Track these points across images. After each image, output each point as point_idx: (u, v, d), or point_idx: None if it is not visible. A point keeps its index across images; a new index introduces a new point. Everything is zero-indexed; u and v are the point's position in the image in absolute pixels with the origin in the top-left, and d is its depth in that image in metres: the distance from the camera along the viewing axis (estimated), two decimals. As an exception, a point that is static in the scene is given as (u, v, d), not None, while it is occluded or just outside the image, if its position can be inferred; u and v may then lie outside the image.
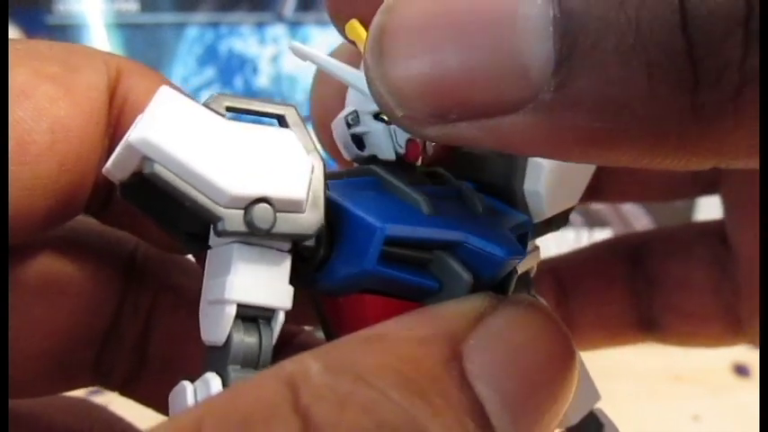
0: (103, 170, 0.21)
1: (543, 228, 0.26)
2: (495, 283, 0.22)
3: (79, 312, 0.26)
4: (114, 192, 0.24)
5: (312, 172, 0.20)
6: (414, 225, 0.21)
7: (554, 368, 0.20)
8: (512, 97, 0.17)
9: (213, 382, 0.20)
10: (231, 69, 0.77)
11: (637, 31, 0.15)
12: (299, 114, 0.22)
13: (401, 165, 0.24)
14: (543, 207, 0.25)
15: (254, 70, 0.77)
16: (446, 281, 0.21)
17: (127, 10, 0.75)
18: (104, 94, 0.23)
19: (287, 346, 0.26)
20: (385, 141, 0.23)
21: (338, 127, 0.24)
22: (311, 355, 0.18)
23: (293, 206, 0.20)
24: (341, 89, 0.25)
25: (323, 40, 0.77)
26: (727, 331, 0.34)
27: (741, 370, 0.70)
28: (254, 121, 0.21)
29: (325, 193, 0.21)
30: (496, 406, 0.18)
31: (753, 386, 0.67)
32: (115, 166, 0.20)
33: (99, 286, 0.26)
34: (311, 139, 0.21)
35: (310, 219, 0.20)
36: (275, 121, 0.22)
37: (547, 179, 0.25)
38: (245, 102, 0.21)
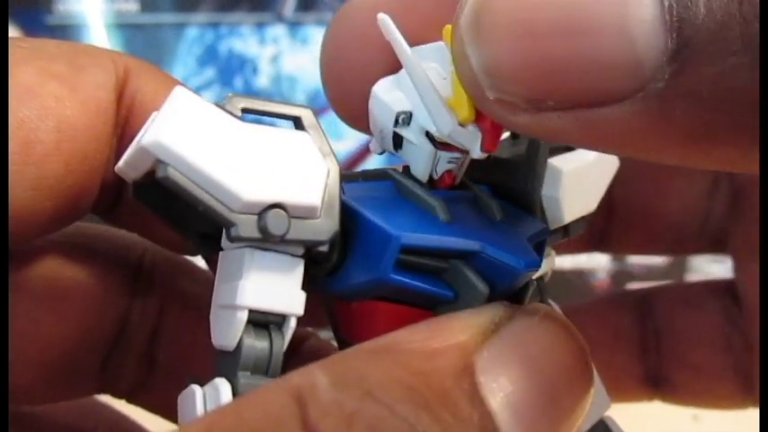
0: (116, 168, 0.21)
1: (559, 234, 0.26)
2: (510, 293, 0.22)
3: (85, 318, 0.25)
4: (123, 193, 0.24)
5: (328, 176, 0.20)
6: (429, 233, 0.20)
7: (570, 380, 0.19)
8: (619, 86, 0.16)
9: (223, 387, 0.19)
10: (231, 69, 0.77)
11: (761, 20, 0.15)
12: (315, 117, 0.21)
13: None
14: (561, 213, 0.25)
15: (254, 70, 0.77)
16: (461, 291, 0.21)
17: (127, 10, 0.75)
18: (112, 94, 0.23)
19: (297, 350, 0.26)
20: (425, 162, 0.22)
21: (382, 109, 0.21)
22: (319, 368, 0.17)
23: (308, 212, 0.19)
24: (361, 35, 0.22)
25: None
26: (737, 390, 0.32)
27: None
28: (269, 124, 0.21)
29: (340, 197, 0.20)
30: (509, 420, 0.18)
31: (753, 386, 0.67)
32: (127, 165, 0.20)
33: (106, 292, 0.26)
34: (327, 142, 0.21)
35: (325, 225, 0.20)
36: (291, 123, 0.21)
37: (565, 184, 0.25)
38: (260, 103, 0.21)
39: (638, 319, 0.34)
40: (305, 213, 0.19)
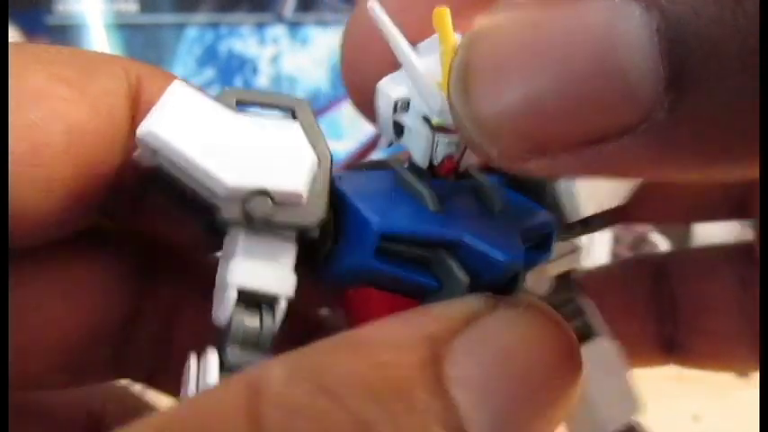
0: (131, 160, 0.22)
1: (581, 228, 0.25)
2: (499, 286, 0.21)
3: (98, 306, 0.26)
4: (135, 195, 0.25)
5: (318, 165, 0.21)
6: (412, 222, 0.21)
7: (551, 374, 0.19)
8: (619, 121, 0.15)
9: (211, 358, 0.21)
10: (231, 70, 0.77)
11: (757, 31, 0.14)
12: (310, 108, 0.22)
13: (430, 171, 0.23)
14: (576, 205, 0.24)
15: (254, 71, 0.77)
16: (444, 280, 0.21)
17: (127, 10, 0.75)
18: (123, 99, 0.23)
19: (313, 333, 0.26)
20: (424, 148, 0.22)
21: (383, 100, 0.22)
22: (279, 361, 0.18)
23: (292, 198, 0.20)
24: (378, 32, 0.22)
25: (323, 40, 0.77)
26: (752, 355, 0.32)
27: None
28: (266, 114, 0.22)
29: (332, 185, 0.21)
30: (476, 413, 0.17)
31: (753, 386, 0.67)
32: (139, 157, 0.21)
33: (118, 279, 0.26)
34: (320, 132, 0.21)
35: (311, 211, 0.21)
36: (288, 113, 0.22)
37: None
38: (255, 94, 0.22)
39: (655, 284, 0.34)
40: (289, 199, 0.20)
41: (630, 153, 0.16)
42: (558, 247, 0.25)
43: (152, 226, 0.26)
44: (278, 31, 0.77)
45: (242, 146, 0.20)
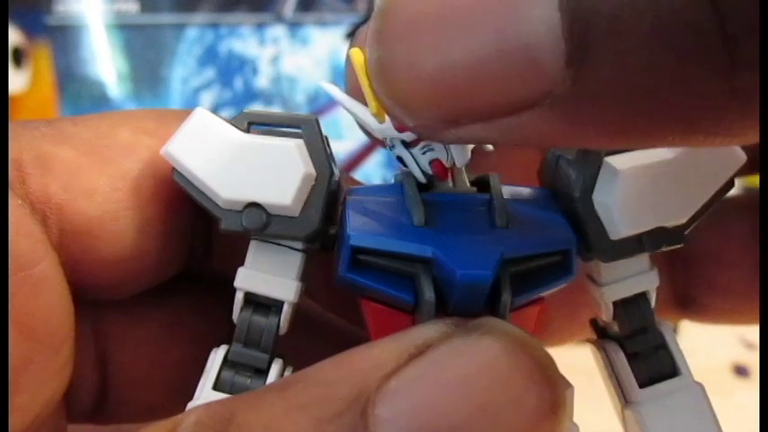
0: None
1: (629, 247, 0.22)
2: (480, 306, 0.20)
3: (197, 343, 0.27)
4: (214, 238, 0.28)
5: (315, 180, 0.22)
6: (387, 236, 0.21)
7: (517, 402, 0.17)
8: (524, 95, 0.15)
9: (218, 354, 0.23)
10: (231, 70, 0.77)
11: (657, 9, 0.14)
12: (316, 125, 0.23)
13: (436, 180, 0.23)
14: (615, 223, 0.21)
15: (254, 71, 0.77)
16: (418, 296, 0.21)
17: (127, 11, 0.75)
18: None
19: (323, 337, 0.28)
20: (410, 163, 0.23)
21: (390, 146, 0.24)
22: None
23: (283, 210, 0.22)
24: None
25: (323, 40, 0.77)
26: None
27: (741, 371, 0.70)
28: (279, 132, 0.23)
29: (326, 198, 0.22)
30: None
31: (752, 387, 0.67)
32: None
33: (212, 319, 0.28)
34: (323, 148, 0.23)
35: (304, 222, 0.22)
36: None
37: (622, 189, 0.21)
38: (266, 116, 0.23)
39: None
40: (281, 211, 0.22)
41: (538, 125, 0.16)
42: (624, 265, 0.23)
43: (222, 266, 0.27)
44: (278, 31, 0.77)
45: (242, 163, 0.22)
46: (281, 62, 0.78)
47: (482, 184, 0.23)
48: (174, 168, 0.23)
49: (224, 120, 0.23)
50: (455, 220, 0.22)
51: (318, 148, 0.23)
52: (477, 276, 0.20)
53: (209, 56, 0.76)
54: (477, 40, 0.15)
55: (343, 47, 0.78)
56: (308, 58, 0.78)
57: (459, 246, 0.21)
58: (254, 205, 0.22)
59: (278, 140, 0.23)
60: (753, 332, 0.74)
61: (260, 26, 0.77)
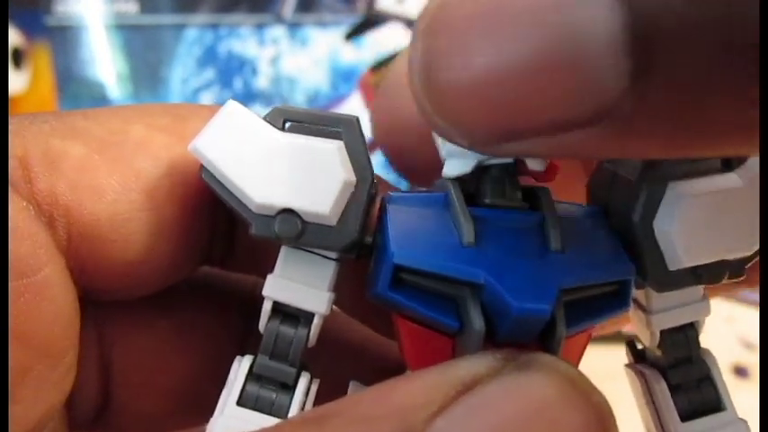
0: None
1: (686, 279, 0.21)
2: (530, 337, 0.19)
3: (208, 351, 0.27)
4: (235, 238, 0.26)
5: (355, 186, 0.21)
6: (434, 256, 0.19)
7: None
8: (584, 113, 0.15)
9: (243, 365, 0.22)
10: (231, 71, 0.77)
11: (730, 25, 0.13)
12: (358, 127, 0.21)
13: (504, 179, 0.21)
14: (675, 253, 0.20)
15: (254, 71, 0.77)
16: (464, 323, 0.19)
17: (126, 11, 0.75)
18: None
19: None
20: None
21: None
22: None
23: (319, 219, 0.20)
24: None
25: (322, 40, 0.77)
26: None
27: (741, 371, 0.70)
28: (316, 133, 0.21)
29: (365, 207, 0.21)
30: None
31: (752, 387, 0.67)
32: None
33: (224, 326, 0.27)
34: (364, 152, 0.21)
35: (342, 233, 0.21)
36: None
37: (686, 217, 0.20)
38: (303, 113, 0.22)
39: None
40: (317, 219, 0.20)
41: (596, 141, 0.15)
42: (676, 293, 0.22)
43: (244, 268, 0.27)
44: (278, 31, 0.77)
45: (278, 165, 0.21)
46: (280, 63, 0.78)
47: (529, 196, 0.21)
48: (201, 166, 0.21)
49: (257, 115, 0.21)
50: (506, 241, 0.20)
51: (359, 152, 0.21)
52: (535, 311, 0.18)
53: (209, 56, 0.76)
54: (531, 45, 0.15)
55: (342, 47, 0.78)
56: (307, 59, 0.78)
57: (512, 271, 0.19)
58: (288, 211, 0.20)
59: (317, 141, 0.21)
60: (753, 333, 0.74)
61: (260, 27, 0.77)
